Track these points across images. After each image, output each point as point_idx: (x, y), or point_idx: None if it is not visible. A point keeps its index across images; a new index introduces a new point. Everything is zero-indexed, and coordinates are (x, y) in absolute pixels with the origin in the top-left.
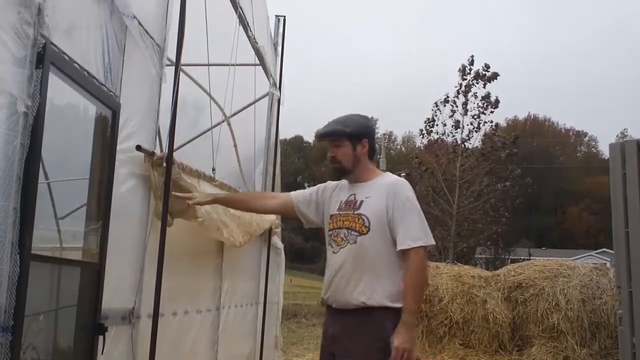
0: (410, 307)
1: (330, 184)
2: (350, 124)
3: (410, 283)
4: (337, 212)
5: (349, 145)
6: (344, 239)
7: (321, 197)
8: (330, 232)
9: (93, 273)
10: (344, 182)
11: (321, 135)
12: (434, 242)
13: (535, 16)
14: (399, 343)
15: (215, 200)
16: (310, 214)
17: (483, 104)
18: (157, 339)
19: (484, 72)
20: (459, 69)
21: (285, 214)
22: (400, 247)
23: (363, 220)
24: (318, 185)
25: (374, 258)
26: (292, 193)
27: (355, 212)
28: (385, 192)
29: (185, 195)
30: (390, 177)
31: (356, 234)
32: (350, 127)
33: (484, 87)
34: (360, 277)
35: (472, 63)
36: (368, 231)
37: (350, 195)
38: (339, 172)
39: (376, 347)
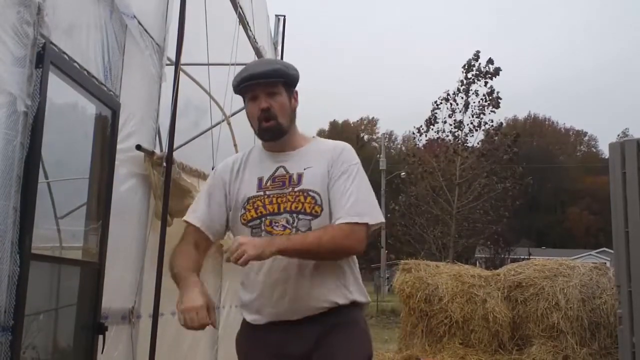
0: (296, 243)
1: (225, 165)
2: (289, 66)
3: (328, 237)
4: (261, 193)
5: (285, 94)
6: (288, 226)
7: (220, 189)
8: (256, 221)
9: (93, 272)
10: (253, 153)
11: (253, 76)
12: (383, 220)
13: (535, 15)
14: (246, 242)
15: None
16: (218, 222)
17: (485, 100)
18: (157, 338)
19: (485, 69)
20: (463, 65)
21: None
22: (342, 220)
23: (314, 198)
24: (207, 183)
25: None
26: (188, 219)
27: (297, 189)
28: (329, 157)
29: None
30: (329, 141)
31: (309, 217)
32: (291, 70)
33: (485, 85)
34: (322, 272)
35: (477, 59)
36: (322, 211)
37: (278, 167)
38: (275, 133)
39: (363, 351)
